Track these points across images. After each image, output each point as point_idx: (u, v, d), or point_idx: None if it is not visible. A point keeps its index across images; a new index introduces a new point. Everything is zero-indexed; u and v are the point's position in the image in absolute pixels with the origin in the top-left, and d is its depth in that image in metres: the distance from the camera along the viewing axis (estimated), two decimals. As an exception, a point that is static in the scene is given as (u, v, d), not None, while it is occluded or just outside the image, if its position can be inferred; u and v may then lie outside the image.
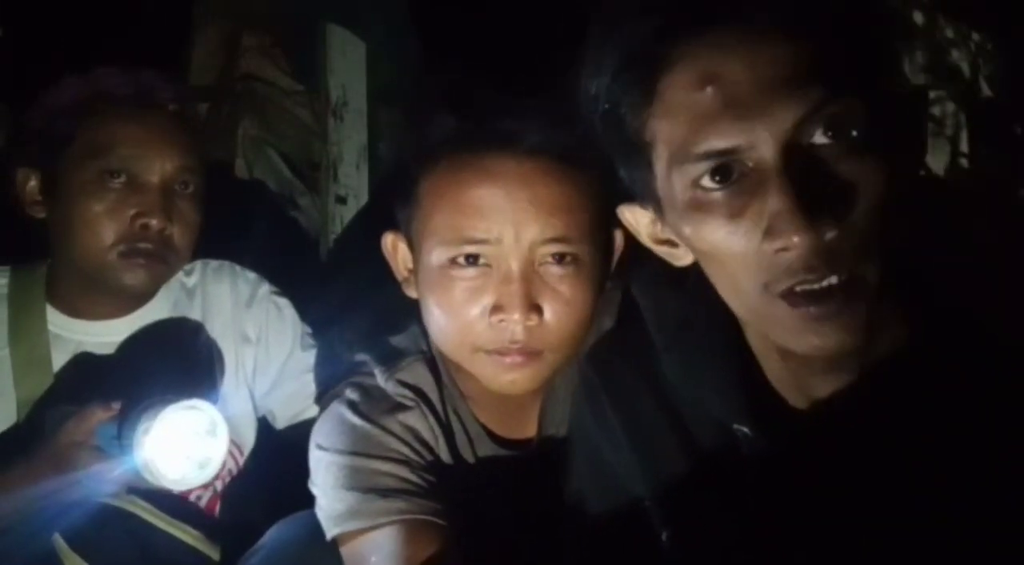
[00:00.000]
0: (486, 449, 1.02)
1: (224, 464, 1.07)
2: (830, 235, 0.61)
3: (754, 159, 0.63)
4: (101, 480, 1.01)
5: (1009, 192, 1.69)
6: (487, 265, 0.90)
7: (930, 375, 0.68)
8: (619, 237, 0.96)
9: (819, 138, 0.62)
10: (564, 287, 0.91)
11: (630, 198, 0.76)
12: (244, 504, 1.25)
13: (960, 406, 0.67)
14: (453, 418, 1.02)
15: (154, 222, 1.16)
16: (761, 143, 0.62)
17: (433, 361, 1.03)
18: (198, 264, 1.31)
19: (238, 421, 1.25)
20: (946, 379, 0.67)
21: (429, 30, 1.95)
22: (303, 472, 1.01)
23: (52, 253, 1.23)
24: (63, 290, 1.22)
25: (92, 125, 1.17)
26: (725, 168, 0.64)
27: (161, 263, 1.19)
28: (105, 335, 1.22)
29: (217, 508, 1.25)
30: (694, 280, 0.74)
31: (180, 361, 1.23)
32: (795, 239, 0.61)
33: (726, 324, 0.75)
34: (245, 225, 1.63)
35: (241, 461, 1.28)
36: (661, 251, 0.77)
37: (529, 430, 1.02)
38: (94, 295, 1.21)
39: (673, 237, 0.74)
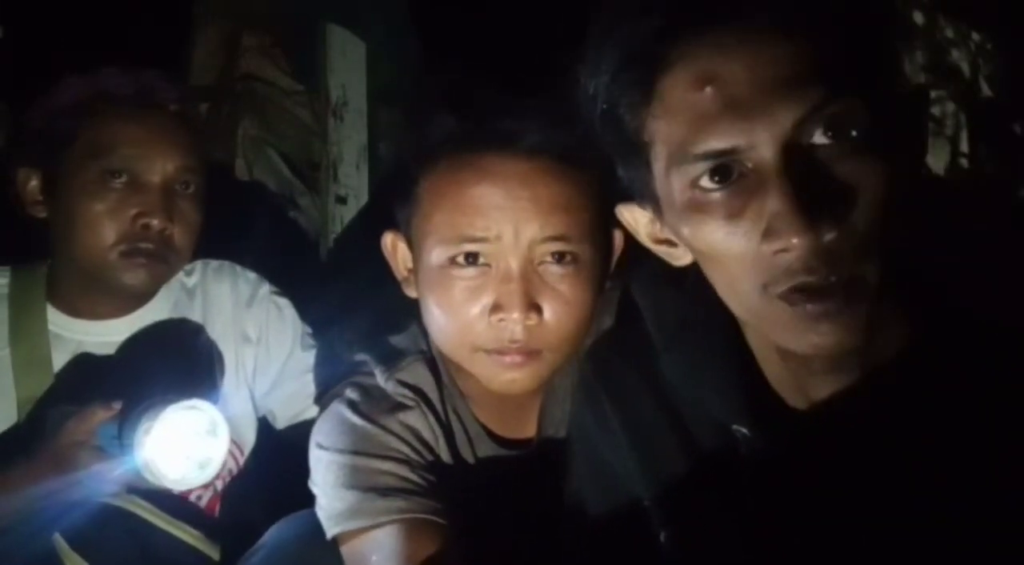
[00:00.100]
0: (486, 449, 1.02)
1: (224, 464, 1.07)
2: (829, 236, 0.61)
3: (753, 159, 0.63)
4: (102, 480, 1.02)
5: (1009, 192, 1.69)
6: (486, 264, 0.90)
7: (930, 375, 0.68)
8: (619, 237, 0.97)
9: (819, 138, 0.62)
10: (564, 287, 0.91)
11: (629, 198, 0.76)
12: (244, 504, 1.25)
13: (960, 406, 0.67)
14: (453, 418, 1.02)
15: (155, 222, 1.17)
16: (761, 143, 0.62)
17: (433, 361, 1.03)
18: (198, 264, 1.31)
19: (238, 421, 1.25)
20: (946, 379, 0.67)
21: (429, 30, 1.95)
22: (303, 472, 1.01)
23: (53, 253, 1.23)
24: (63, 290, 1.23)
25: (93, 125, 1.17)
26: (724, 168, 0.64)
27: (162, 263, 1.19)
28: (105, 335, 1.22)
29: (217, 508, 1.25)
30: (693, 280, 0.74)
31: (181, 361, 1.23)
32: (794, 240, 0.61)
33: (725, 324, 0.75)
34: (245, 225, 1.63)
35: (241, 461, 1.28)
36: (660, 251, 0.77)
37: (529, 430, 1.02)
38: (95, 295, 1.21)
39: (672, 237, 0.74)
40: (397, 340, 1.06)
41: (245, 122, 1.93)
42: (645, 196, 0.72)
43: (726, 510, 0.76)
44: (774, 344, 0.71)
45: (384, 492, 0.94)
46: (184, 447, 1.01)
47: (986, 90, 1.77)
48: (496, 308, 0.90)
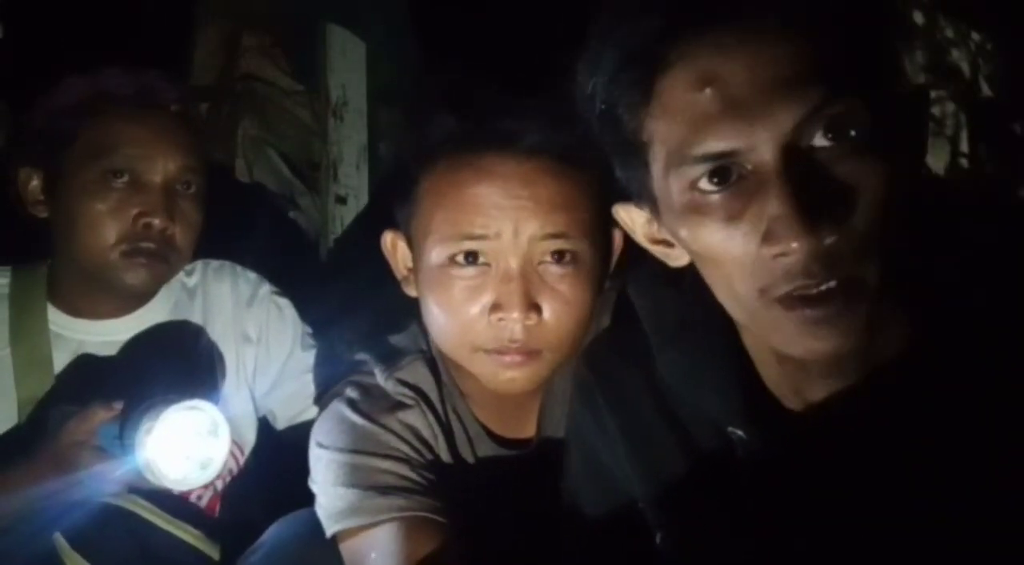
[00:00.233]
0: (485, 448, 1.02)
1: (225, 464, 1.07)
2: (830, 240, 0.60)
3: (753, 161, 0.62)
4: (102, 480, 1.02)
5: (1009, 192, 1.69)
6: (486, 264, 0.91)
7: (929, 376, 0.67)
8: (618, 237, 0.96)
9: (819, 140, 0.61)
10: (563, 286, 0.91)
11: (629, 198, 0.76)
12: (245, 504, 1.25)
13: (959, 407, 0.66)
14: (452, 417, 1.02)
15: (156, 222, 1.17)
16: (760, 145, 0.61)
17: (433, 360, 1.03)
18: (199, 264, 1.31)
19: (239, 421, 1.25)
20: (945, 380, 0.67)
21: (429, 30, 1.95)
22: (303, 472, 1.01)
23: (54, 252, 1.24)
24: (64, 290, 1.23)
25: (95, 125, 1.17)
26: (723, 170, 0.63)
27: (163, 263, 1.19)
28: (106, 334, 1.22)
29: (218, 508, 1.25)
30: (690, 281, 0.73)
31: (181, 362, 1.23)
32: (794, 244, 0.60)
33: (723, 326, 0.74)
34: (245, 225, 1.63)
35: (242, 461, 1.28)
36: (657, 251, 0.77)
37: (528, 429, 1.02)
38: (95, 294, 1.22)
39: (669, 237, 0.73)
40: (397, 339, 1.06)
41: (245, 122, 1.93)
42: (643, 196, 0.72)
43: (723, 511, 0.76)
44: (771, 347, 0.70)
45: (383, 490, 0.94)
46: (185, 447, 1.01)
47: (986, 90, 1.77)
48: (496, 307, 0.90)
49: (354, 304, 1.17)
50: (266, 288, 1.33)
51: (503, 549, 0.93)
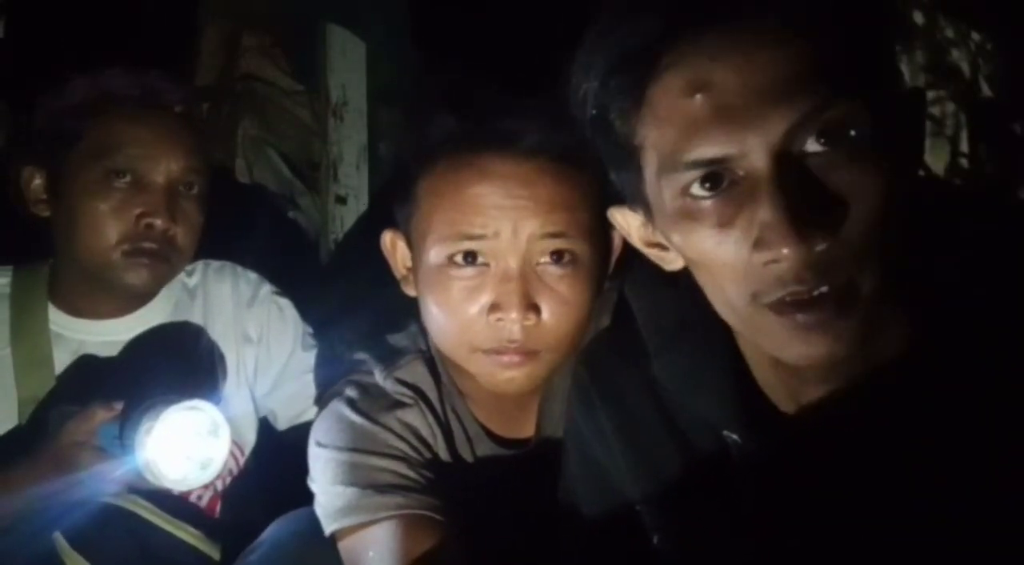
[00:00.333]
0: (484, 448, 1.02)
1: (225, 464, 1.07)
2: (821, 247, 0.60)
3: (745, 168, 0.62)
4: (103, 480, 1.02)
5: (1009, 192, 1.69)
6: (485, 264, 0.91)
7: (928, 378, 0.67)
8: (618, 237, 0.96)
9: (811, 146, 0.61)
10: (562, 287, 0.91)
11: (624, 200, 0.75)
12: (245, 504, 1.25)
13: (957, 408, 0.66)
14: (451, 417, 1.02)
15: (158, 222, 1.17)
16: (752, 151, 0.61)
17: (432, 360, 1.03)
18: (199, 264, 1.31)
19: (239, 421, 1.25)
20: (944, 381, 0.66)
21: (429, 30, 1.95)
22: (303, 472, 1.01)
23: (55, 252, 1.24)
24: (65, 289, 1.23)
25: (99, 125, 1.17)
26: (715, 176, 0.63)
27: (164, 263, 1.19)
28: (107, 334, 1.23)
29: (217, 508, 1.25)
30: (685, 283, 0.73)
31: (182, 362, 1.23)
32: (785, 251, 0.60)
33: (719, 329, 0.74)
34: (245, 225, 1.63)
35: (242, 461, 1.28)
36: (652, 254, 0.77)
37: (527, 429, 1.02)
38: (96, 294, 1.22)
39: (663, 241, 0.73)
40: (396, 339, 1.06)
41: (245, 122, 1.93)
42: (636, 200, 0.72)
43: (719, 514, 0.76)
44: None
45: (382, 489, 0.94)
46: (185, 447, 1.01)
47: (986, 90, 1.77)
48: (494, 308, 0.90)
49: (354, 304, 1.17)
50: (267, 288, 1.33)
51: (501, 548, 0.93)
